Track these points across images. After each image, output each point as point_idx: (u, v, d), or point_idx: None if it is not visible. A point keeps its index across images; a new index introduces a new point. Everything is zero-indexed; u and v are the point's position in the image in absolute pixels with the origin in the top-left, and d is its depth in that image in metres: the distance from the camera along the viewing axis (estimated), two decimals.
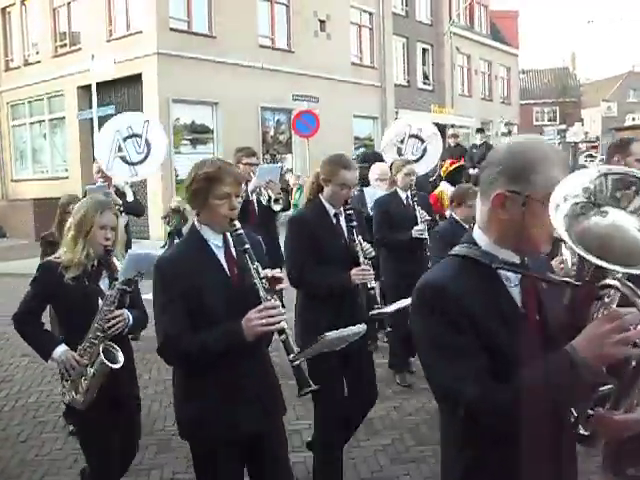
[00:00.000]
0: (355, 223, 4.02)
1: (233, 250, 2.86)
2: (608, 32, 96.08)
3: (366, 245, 4.07)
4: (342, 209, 4.03)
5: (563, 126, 49.77)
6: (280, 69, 21.36)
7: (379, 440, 5.01)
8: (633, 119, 55.26)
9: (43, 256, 5.13)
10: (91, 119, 16.58)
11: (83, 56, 18.76)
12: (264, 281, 2.72)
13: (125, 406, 3.67)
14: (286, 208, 6.79)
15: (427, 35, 32.28)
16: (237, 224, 2.78)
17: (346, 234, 4.04)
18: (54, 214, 5.48)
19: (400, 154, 8.66)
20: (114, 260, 3.53)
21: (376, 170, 7.18)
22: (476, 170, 11.37)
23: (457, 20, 34.39)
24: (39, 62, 22.64)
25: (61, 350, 3.50)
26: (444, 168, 10.31)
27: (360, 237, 4.04)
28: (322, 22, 23.57)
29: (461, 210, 5.21)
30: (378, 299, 4.23)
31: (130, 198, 7.64)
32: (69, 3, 21.61)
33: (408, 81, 30.99)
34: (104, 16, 19.81)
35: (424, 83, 32.57)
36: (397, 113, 27.77)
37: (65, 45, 21.86)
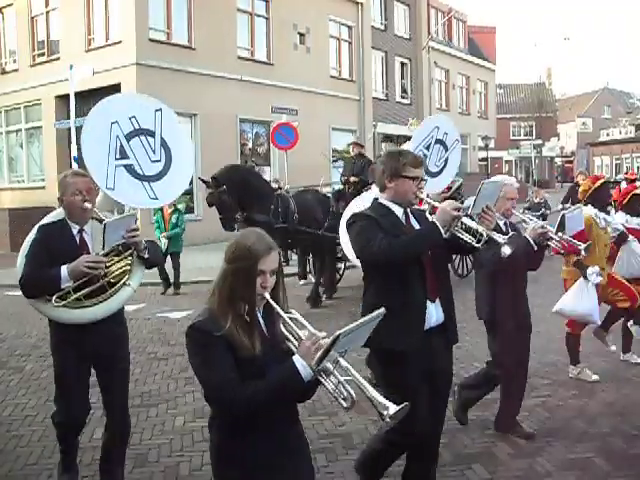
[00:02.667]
0: None
1: None
2: (583, 48, 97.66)
3: None
4: None
5: (539, 141, 50.52)
6: (259, 81, 21.42)
7: (357, 455, 4.95)
8: (607, 135, 56.21)
9: None
10: (69, 129, 16.41)
11: (61, 65, 18.67)
12: None
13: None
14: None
15: (405, 49, 32.60)
16: None
17: None
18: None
19: (424, 165, 6.98)
20: None
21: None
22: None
23: (435, 35, 34.77)
24: (16, 71, 22.51)
25: None
26: (583, 187, 6.83)
27: None
28: (302, 35, 23.72)
29: None
30: None
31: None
32: (48, 12, 21.55)
33: (386, 94, 31.24)
34: (83, 26, 19.77)
35: (402, 97, 32.85)
36: (375, 126, 27.98)
37: (43, 54, 21.76)
